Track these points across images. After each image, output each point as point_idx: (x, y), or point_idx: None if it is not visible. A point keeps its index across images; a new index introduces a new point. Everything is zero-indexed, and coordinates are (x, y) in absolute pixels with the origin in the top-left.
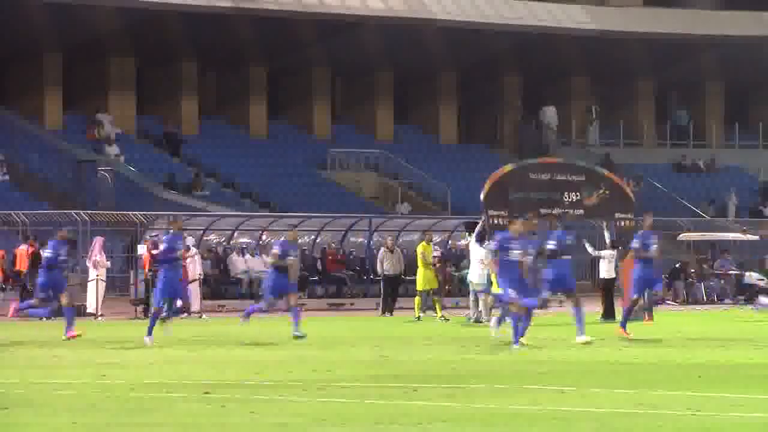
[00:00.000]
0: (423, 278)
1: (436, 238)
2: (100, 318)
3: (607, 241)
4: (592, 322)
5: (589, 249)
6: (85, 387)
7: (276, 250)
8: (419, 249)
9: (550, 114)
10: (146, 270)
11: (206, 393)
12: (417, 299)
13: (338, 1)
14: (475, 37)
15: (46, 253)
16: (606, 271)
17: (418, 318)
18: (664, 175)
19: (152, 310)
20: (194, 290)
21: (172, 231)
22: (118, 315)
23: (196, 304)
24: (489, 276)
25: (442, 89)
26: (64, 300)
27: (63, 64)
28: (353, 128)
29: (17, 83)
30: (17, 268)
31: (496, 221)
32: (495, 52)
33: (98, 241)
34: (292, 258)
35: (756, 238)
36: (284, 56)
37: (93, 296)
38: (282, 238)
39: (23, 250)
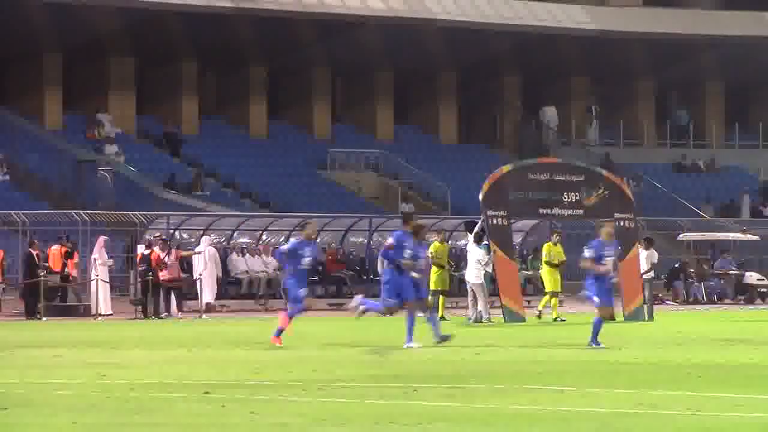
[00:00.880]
0: (436, 278)
1: (434, 238)
2: (100, 318)
3: None
4: (574, 323)
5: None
6: (85, 387)
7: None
8: (431, 249)
9: (550, 114)
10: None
11: (206, 393)
12: (430, 299)
13: (338, 1)
14: (475, 37)
15: (282, 247)
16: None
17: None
18: (664, 175)
19: (382, 309)
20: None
21: (404, 229)
22: (118, 315)
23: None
24: (487, 276)
25: (442, 89)
26: (306, 303)
27: (63, 64)
28: (353, 128)
29: (17, 83)
30: (51, 268)
31: (494, 221)
32: (495, 52)
33: (99, 240)
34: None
35: (756, 238)
36: (284, 56)
37: (96, 296)
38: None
39: (56, 249)
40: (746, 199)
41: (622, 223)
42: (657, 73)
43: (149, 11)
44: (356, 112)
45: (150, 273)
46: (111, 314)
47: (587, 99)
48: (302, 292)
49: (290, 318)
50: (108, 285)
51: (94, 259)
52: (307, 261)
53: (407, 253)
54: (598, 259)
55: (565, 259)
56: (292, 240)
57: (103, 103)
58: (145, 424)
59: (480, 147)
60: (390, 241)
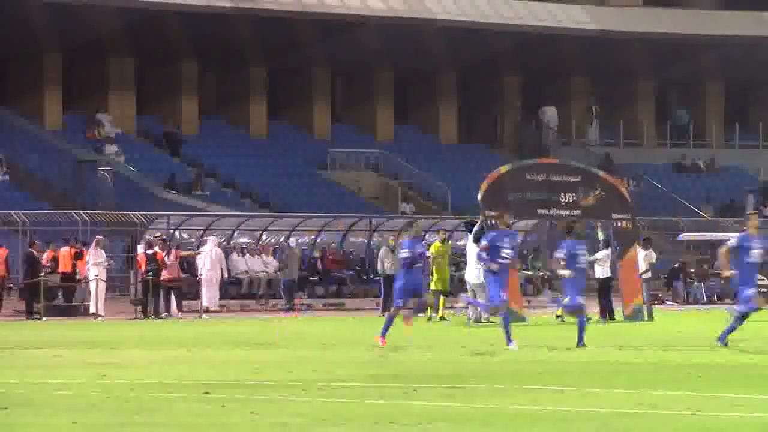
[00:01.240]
0: (436, 279)
1: (435, 238)
2: (100, 318)
3: (601, 241)
4: (574, 323)
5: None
6: (85, 387)
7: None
8: (432, 249)
9: (550, 114)
10: (143, 270)
11: (206, 393)
12: (430, 298)
13: (338, 1)
14: (475, 37)
15: (403, 253)
16: (601, 271)
17: (429, 318)
18: (664, 175)
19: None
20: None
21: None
22: (118, 315)
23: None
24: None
25: (442, 89)
26: (421, 303)
27: (63, 64)
28: (353, 128)
29: (17, 83)
30: (61, 269)
31: (493, 222)
32: (495, 52)
33: (94, 240)
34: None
35: None
36: (284, 56)
37: (96, 296)
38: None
39: (66, 251)
40: (751, 199)
41: (620, 224)
42: (657, 73)
43: (149, 11)
44: (356, 112)
45: (151, 273)
46: (102, 315)
47: (587, 99)
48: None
49: (409, 319)
50: (102, 285)
51: (87, 260)
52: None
53: (506, 252)
54: (747, 249)
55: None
56: (406, 242)
57: (103, 103)
58: (145, 424)
59: (480, 147)
60: (484, 243)
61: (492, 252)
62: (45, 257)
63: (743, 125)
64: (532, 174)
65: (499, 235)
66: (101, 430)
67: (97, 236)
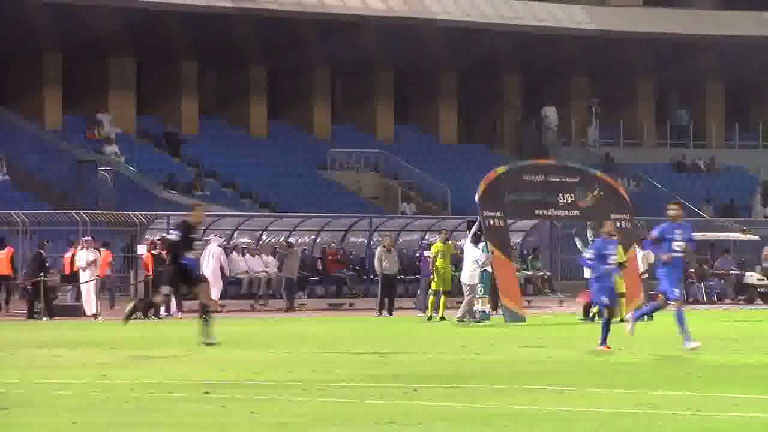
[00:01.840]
0: (437, 279)
1: (436, 238)
2: (99, 318)
3: (590, 240)
4: (574, 323)
5: (579, 245)
6: (85, 387)
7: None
8: (433, 249)
9: (550, 114)
10: (148, 270)
11: (206, 393)
12: (431, 299)
13: (338, 1)
14: (475, 37)
15: (588, 253)
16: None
17: (429, 318)
18: (664, 175)
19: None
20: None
21: (602, 235)
22: (118, 315)
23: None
24: (487, 275)
25: (442, 89)
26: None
27: (63, 64)
28: (353, 128)
29: (17, 83)
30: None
31: (491, 222)
32: (495, 52)
33: (81, 243)
34: None
35: (756, 238)
36: (284, 56)
37: (89, 298)
38: None
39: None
40: (758, 199)
41: (619, 224)
42: (657, 73)
43: (149, 11)
44: (356, 112)
45: (160, 273)
46: (99, 315)
47: (587, 99)
48: (605, 299)
49: (606, 326)
50: (91, 285)
51: (76, 261)
52: (613, 260)
53: (677, 244)
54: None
55: (626, 259)
56: (596, 241)
57: (103, 103)
58: (145, 424)
59: (480, 147)
60: (654, 233)
61: (665, 244)
62: (67, 257)
63: (743, 125)
64: (529, 174)
65: (669, 225)
66: (101, 430)
67: (82, 239)
